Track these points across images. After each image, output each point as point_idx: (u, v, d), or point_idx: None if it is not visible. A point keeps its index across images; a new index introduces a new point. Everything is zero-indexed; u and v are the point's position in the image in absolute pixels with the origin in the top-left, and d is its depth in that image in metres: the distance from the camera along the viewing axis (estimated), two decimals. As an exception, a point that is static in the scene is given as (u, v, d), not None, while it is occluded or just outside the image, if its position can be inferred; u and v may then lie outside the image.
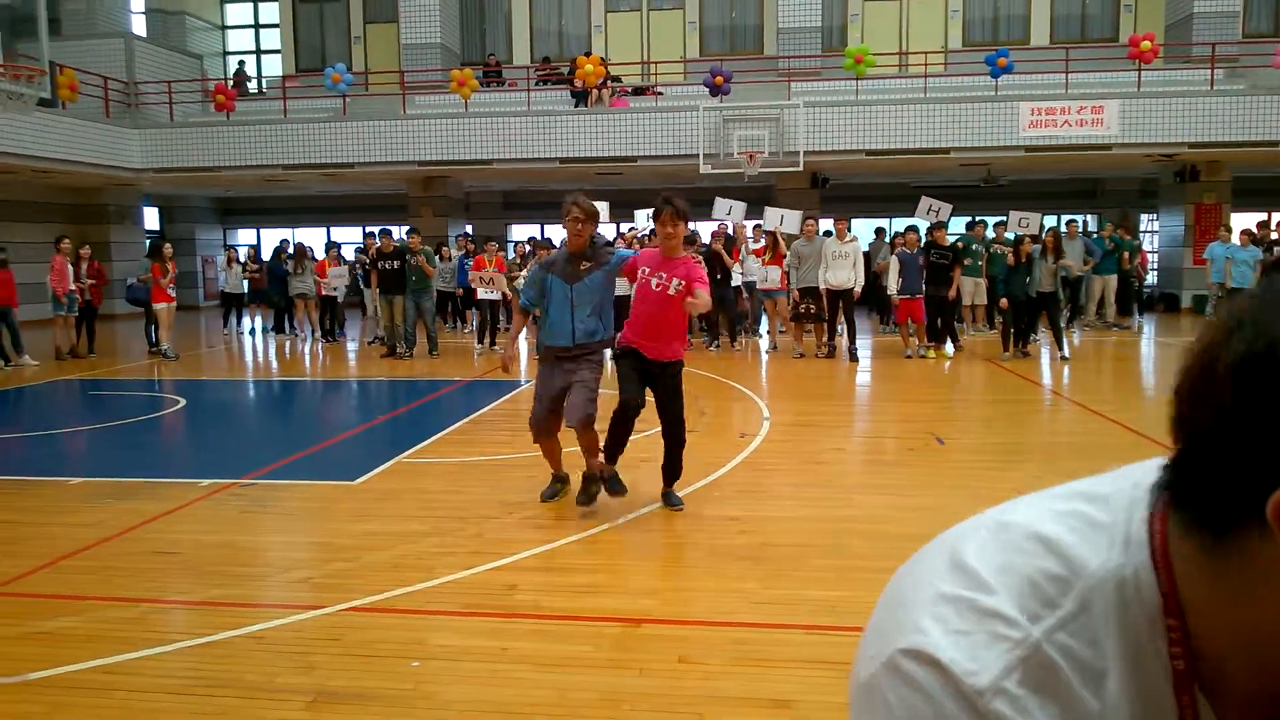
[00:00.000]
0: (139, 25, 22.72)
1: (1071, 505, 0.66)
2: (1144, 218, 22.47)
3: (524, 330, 5.43)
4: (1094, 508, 0.65)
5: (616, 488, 5.20)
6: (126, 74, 19.78)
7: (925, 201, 12.81)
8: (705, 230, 15.82)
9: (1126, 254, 15.81)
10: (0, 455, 7.39)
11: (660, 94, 19.51)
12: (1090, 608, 0.60)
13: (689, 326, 6.03)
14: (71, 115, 16.86)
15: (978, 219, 16.01)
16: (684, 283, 4.97)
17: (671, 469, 5.31)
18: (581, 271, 5.07)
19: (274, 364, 13.46)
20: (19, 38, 11.42)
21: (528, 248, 15.72)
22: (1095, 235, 16.38)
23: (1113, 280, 15.59)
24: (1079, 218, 17.49)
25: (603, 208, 13.54)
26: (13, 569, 4.38)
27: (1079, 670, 0.60)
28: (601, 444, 5.22)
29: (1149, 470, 0.65)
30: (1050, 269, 11.57)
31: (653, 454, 5.58)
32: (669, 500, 5.33)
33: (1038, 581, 0.62)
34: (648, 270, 5.06)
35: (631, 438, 5.34)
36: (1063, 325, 12.29)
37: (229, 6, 25.20)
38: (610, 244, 5.27)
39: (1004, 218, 14.77)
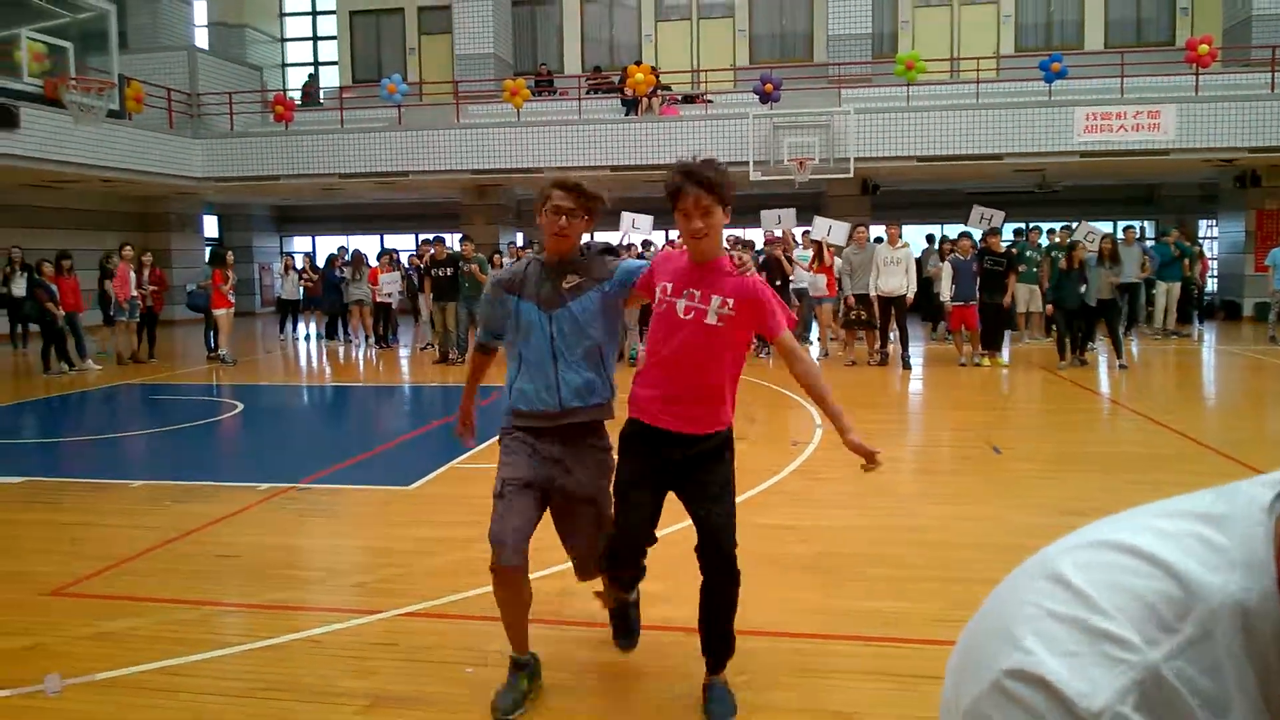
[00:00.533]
0: (202, 38, 23.34)
1: (1184, 524, 0.62)
2: (1203, 224, 21.92)
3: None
4: (1209, 528, 0.61)
5: (625, 634, 3.45)
6: (189, 86, 20.32)
7: (977, 210, 12.65)
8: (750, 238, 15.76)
9: (1188, 261, 15.45)
10: (67, 458, 7.62)
11: (710, 102, 19.51)
12: (1213, 635, 0.57)
13: None
14: (136, 126, 17.34)
15: (1032, 225, 15.76)
16: (731, 303, 2.92)
17: (714, 635, 3.05)
18: (565, 291, 3.09)
19: (328, 369, 13.68)
20: (89, 51, 11.81)
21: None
22: (1159, 241, 16.02)
23: (1176, 288, 15.23)
24: (1136, 224, 17.15)
25: (646, 220, 13.64)
26: (80, 569, 4.50)
27: (1201, 700, 0.56)
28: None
29: (1265, 486, 0.61)
30: (1108, 276, 11.34)
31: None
32: (712, 697, 3.04)
33: (1153, 604, 0.58)
34: (670, 287, 2.99)
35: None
36: (1121, 333, 12.04)
37: (289, 20, 25.77)
38: (613, 250, 3.30)
39: (1065, 224, 14.52)
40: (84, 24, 11.54)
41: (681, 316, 2.95)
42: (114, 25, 11.95)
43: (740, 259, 3.03)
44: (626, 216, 13.68)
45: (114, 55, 11.99)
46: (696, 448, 2.99)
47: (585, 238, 3.22)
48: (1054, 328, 12.21)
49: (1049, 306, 11.82)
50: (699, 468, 3.00)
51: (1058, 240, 14.40)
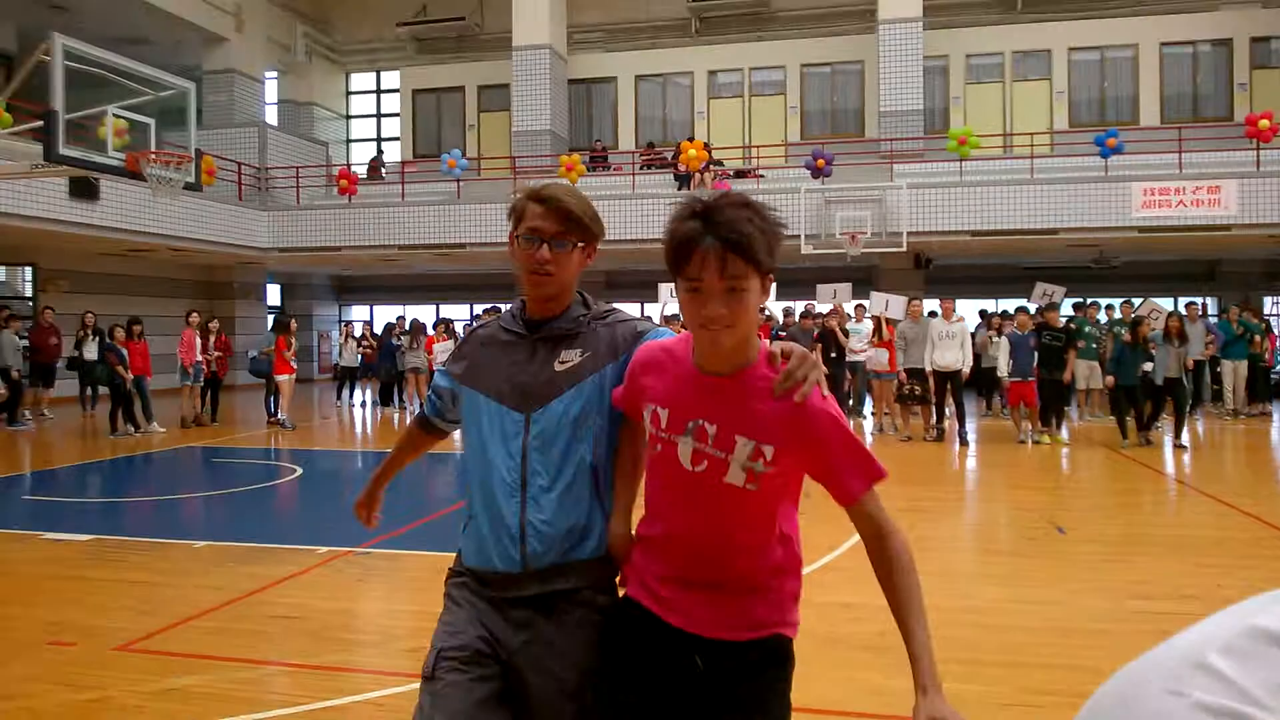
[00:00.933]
0: (272, 115, 24.33)
1: None
2: (1268, 300, 21.47)
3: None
4: None
5: None
6: (259, 160, 21.16)
7: (1040, 286, 12.61)
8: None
9: (1257, 338, 15.09)
10: (133, 517, 7.79)
11: (762, 176, 19.77)
12: None
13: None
14: (207, 198, 18.05)
15: (1090, 301, 15.58)
16: (771, 452, 1.72)
17: None
18: (557, 375, 1.98)
19: (384, 436, 13.86)
20: (166, 127, 12.40)
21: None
22: (1222, 319, 15.72)
23: (1242, 366, 14.85)
24: (1198, 300, 16.87)
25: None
26: (149, 626, 4.58)
27: None
28: None
29: None
30: (1177, 353, 11.14)
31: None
32: None
33: None
34: (666, 416, 1.81)
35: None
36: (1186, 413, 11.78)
37: (354, 98, 26.81)
38: (608, 312, 2.09)
39: (1125, 299, 14.36)
40: (164, 101, 12.14)
41: (689, 468, 1.75)
42: (193, 103, 12.55)
43: (781, 351, 1.73)
44: (664, 287, 13.82)
45: (192, 131, 12.56)
46: (726, 664, 1.77)
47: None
48: (1117, 406, 11.97)
49: (1109, 379, 11.62)
50: (727, 689, 1.77)
51: (1119, 316, 14.21)
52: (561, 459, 1.94)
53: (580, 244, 1.99)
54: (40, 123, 10.15)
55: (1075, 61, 21.29)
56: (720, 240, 1.63)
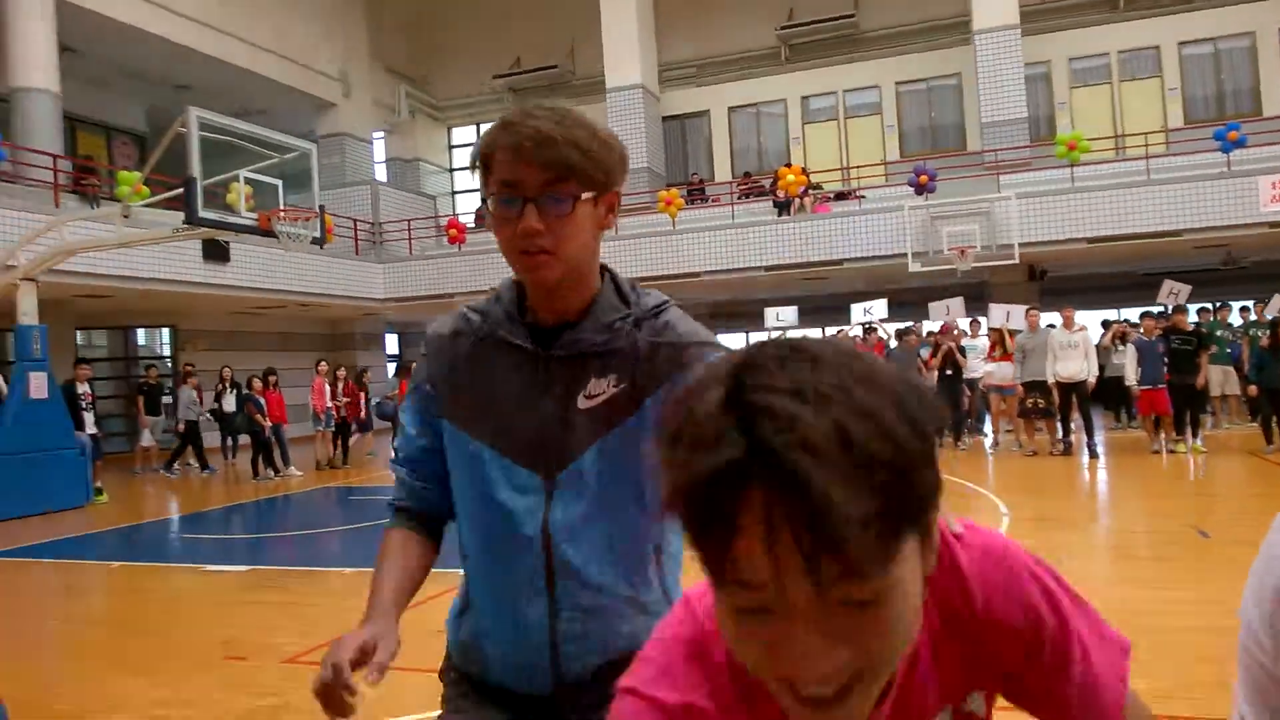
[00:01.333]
0: (381, 173, 25.53)
1: None
2: None
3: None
4: None
5: None
6: (372, 215, 22.21)
7: (1167, 285, 12.17)
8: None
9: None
10: (286, 550, 8.26)
11: (863, 197, 19.66)
12: None
13: None
14: (327, 254, 19.03)
15: (1220, 304, 14.90)
16: (981, 700, 0.87)
17: None
18: (585, 414, 1.31)
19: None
20: (287, 189, 13.23)
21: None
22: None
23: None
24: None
25: (790, 312, 13.44)
26: (312, 641, 4.88)
27: None
28: None
29: None
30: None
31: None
32: None
33: None
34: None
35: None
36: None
37: (456, 151, 27.89)
38: (658, 308, 1.37)
39: (1257, 299, 13.71)
40: (283, 165, 12.96)
41: None
42: (315, 162, 13.35)
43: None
44: (770, 311, 13.80)
45: (315, 189, 13.36)
46: None
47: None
48: (1259, 411, 11.38)
49: (1252, 388, 11.06)
50: None
51: (1254, 317, 13.56)
52: (603, 541, 1.32)
53: (585, 191, 1.26)
54: (179, 190, 10.95)
55: (1186, 56, 20.55)
56: (797, 495, 0.58)
